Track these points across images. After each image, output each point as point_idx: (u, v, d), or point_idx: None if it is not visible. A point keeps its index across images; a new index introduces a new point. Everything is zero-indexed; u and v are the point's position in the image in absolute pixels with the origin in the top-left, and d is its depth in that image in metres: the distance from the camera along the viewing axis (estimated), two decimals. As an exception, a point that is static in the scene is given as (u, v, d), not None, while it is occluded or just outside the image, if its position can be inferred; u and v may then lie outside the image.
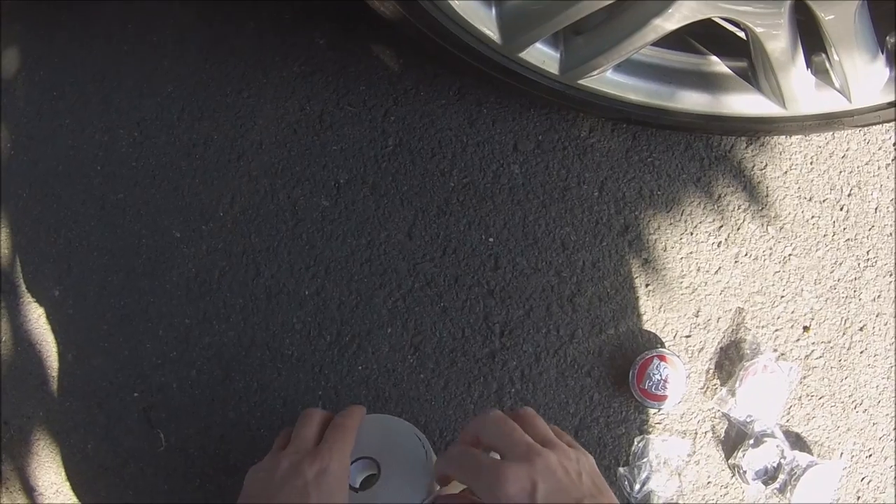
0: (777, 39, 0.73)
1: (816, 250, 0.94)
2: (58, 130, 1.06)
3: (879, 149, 1.00)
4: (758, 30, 0.73)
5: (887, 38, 0.80)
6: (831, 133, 0.98)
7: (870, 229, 0.95)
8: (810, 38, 0.77)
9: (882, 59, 0.78)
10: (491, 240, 0.93)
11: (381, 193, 0.95)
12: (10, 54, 1.11)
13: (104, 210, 1.02)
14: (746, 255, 0.94)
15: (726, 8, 0.70)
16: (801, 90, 0.82)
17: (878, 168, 0.98)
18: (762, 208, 0.96)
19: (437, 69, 0.95)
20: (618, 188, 0.94)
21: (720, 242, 0.94)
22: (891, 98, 0.81)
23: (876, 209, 0.96)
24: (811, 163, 0.98)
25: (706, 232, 0.94)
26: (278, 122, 0.99)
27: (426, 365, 0.93)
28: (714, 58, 0.86)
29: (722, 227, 0.94)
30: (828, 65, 0.81)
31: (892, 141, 1.01)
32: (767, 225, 0.95)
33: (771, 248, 0.94)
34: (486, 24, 0.76)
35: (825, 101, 0.84)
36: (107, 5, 1.11)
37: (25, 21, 1.12)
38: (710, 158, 0.96)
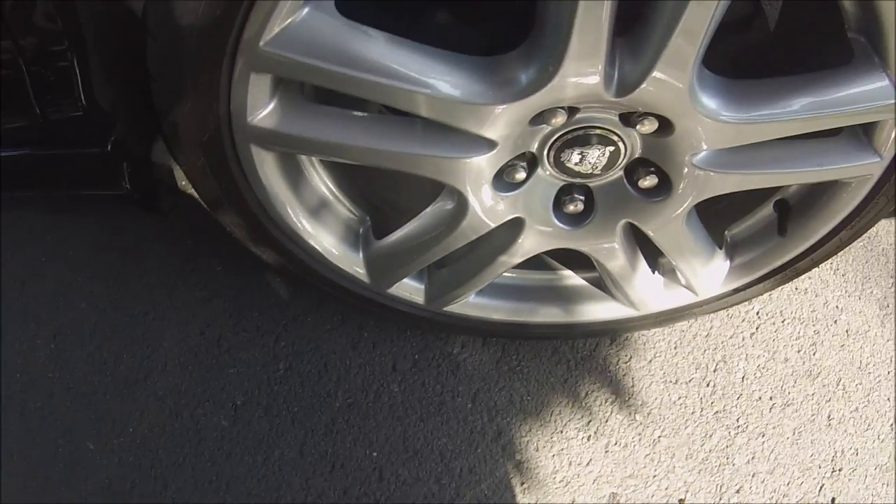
0: (615, 258, 0.84)
1: (685, 428, 1.04)
2: None
3: (743, 321, 1.12)
4: (595, 255, 0.83)
5: (726, 233, 0.91)
6: (691, 318, 1.08)
7: (738, 398, 1.06)
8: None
9: (721, 253, 0.89)
10: (375, 454, 1.02)
11: (273, 414, 1.03)
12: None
13: (23, 416, 1.08)
14: (616, 443, 1.04)
15: (561, 242, 0.80)
16: (650, 293, 0.93)
17: (743, 339, 1.10)
18: (629, 398, 1.06)
19: (322, 297, 1.05)
20: (489, 398, 1.04)
21: (590, 436, 1.04)
22: (735, 286, 0.92)
23: (743, 378, 1.08)
24: (675, 347, 1.09)
25: (576, 428, 1.04)
26: (181, 344, 1.07)
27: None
28: (568, 272, 0.97)
29: (590, 421, 1.04)
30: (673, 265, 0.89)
31: (756, 310, 1.13)
32: (635, 413, 1.05)
33: (640, 434, 1.04)
34: (355, 266, 0.86)
35: (674, 297, 0.94)
36: (28, 214, 1.19)
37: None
38: (576, 360, 1.07)
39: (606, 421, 1.04)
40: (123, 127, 0.80)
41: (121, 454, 1.05)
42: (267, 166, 0.71)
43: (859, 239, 1.21)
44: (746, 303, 1.11)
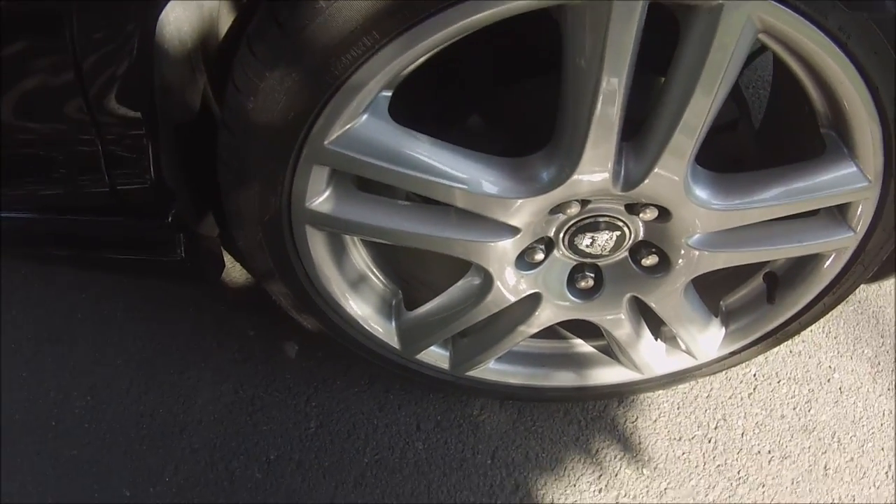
0: (621, 327, 0.93)
1: (690, 480, 1.11)
2: (16, 381, 1.16)
3: (741, 382, 1.20)
4: (604, 324, 0.92)
5: (721, 302, 1.00)
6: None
7: (738, 452, 1.13)
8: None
9: (717, 321, 0.98)
10: (400, 508, 1.09)
11: (305, 468, 1.10)
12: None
13: (58, 463, 1.14)
14: (625, 495, 1.10)
15: (573, 314, 0.89)
16: (653, 358, 1.01)
17: (741, 399, 1.18)
18: (637, 454, 1.13)
19: (351, 361, 1.14)
20: (507, 454, 1.11)
21: (601, 489, 1.11)
22: (731, 349, 1.00)
23: (742, 434, 1.15)
24: (678, 407, 1.17)
25: (588, 482, 1.11)
26: (216, 402, 1.15)
27: None
28: (579, 340, 1.06)
29: (601, 475, 1.11)
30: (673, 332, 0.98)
31: (752, 373, 1.21)
32: (643, 467, 1.12)
33: (647, 487, 1.11)
34: (388, 333, 0.94)
35: (676, 362, 1.03)
36: (64, 271, 1.28)
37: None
38: (586, 420, 1.14)
39: (616, 475, 1.11)
40: (183, 201, 0.90)
41: (157, 502, 1.11)
42: (317, 244, 0.81)
43: (849, 303, 1.32)
44: (744, 365, 1.20)
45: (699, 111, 0.63)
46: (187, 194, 0.86)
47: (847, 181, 0.75)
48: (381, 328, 0.93)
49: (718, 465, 1.12)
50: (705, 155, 0.78)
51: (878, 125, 0.69)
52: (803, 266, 0.91)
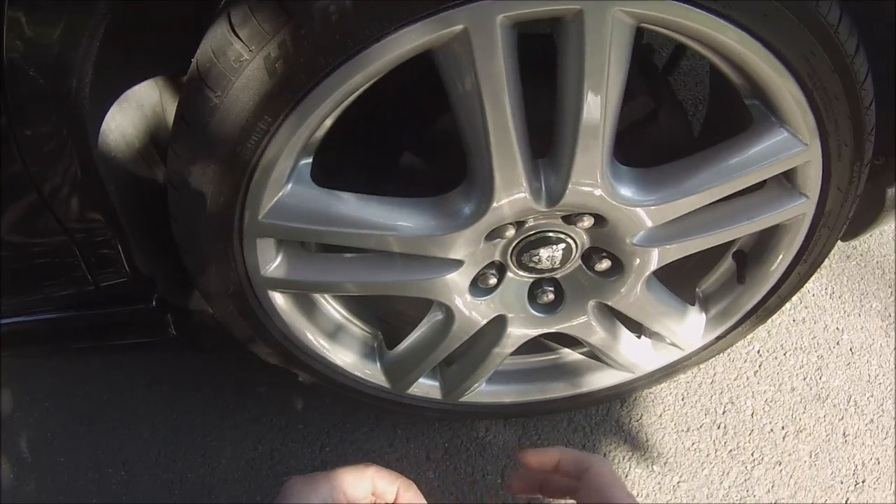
0: (594, 333, 0.93)
1: (702, 470, 1.11)
2: (55, 466, 1.23)
3: (745, 361, 1.18)
4: (575, 333, 0.93)
5: (697, 289, 1.00)
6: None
7: (750, 434, 1.12)
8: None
9: (695, 308, 0.97)
10: (420, 536, 1.11)
11: (328, 515, 1.15)
12: (6, 395, 1.31)
13: None
14: (638, 494, 1.10)
15: (543, 328, 0.91)
16: (639, 356, 1.01)
17: (748, 378, 1.17)
18: (645, 452, 1.13)
19: (357, 403, 1.17)
20: (516, 471, 1.13)
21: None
22: (716, 334, 1.00)
23: (752, 414, 1.14)
24: (682, 398, 1.17)
25: (602, 486, 1.12)
26: (238, 460, 1.20)
27: None
28: (566, 350, 1.07)
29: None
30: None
31: (756, 349, 1.20)
32: (652, 464, 1.12)
33: (659, 483, 1.11)
34: (375, 375, 0.98)
35: (664, 356, 1.03)
36: (88, 356, 1.36)
37: (16, 367, 1.35)
38: (590, 425, 1.15)
39: (626, 475, 1.11)
40: (164, 284, 0.96)
41: (196, 568, 1.16)
42: (285, 305, 0.85)
43: (852, 258, 1.29)
44: (746, 342, 1.19)
45: (594, 116, 0.64)
46: (168, 277, 0.91)
47: (782, 148, 0.74)
48: (368, 371, 0.96)
49: (731, 451, 1.11)
50: (634, 152, 0.80)
51: (796, 84, 0.67)
52: (767, 240, 0.90)
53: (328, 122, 0.67)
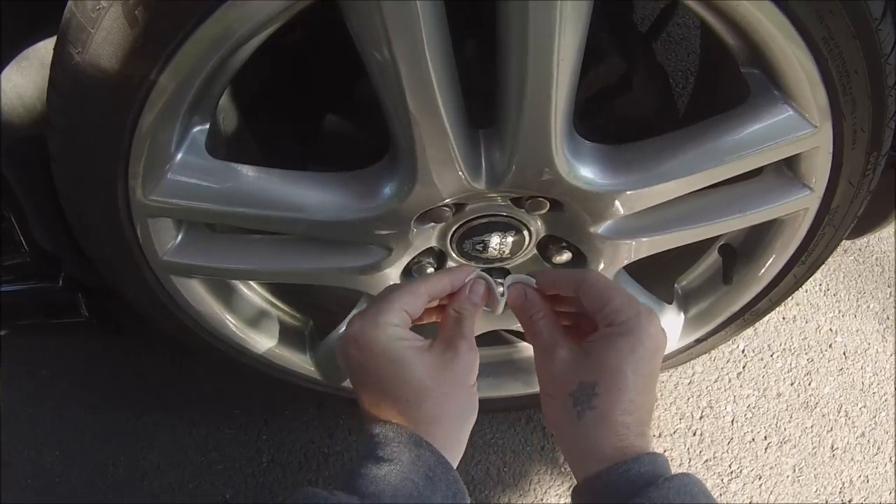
0: None
1: None
2: None
3: (727, 361, 1.07)
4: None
5: (675, 285, 0.88)
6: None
7: (728, 443, 1.02)
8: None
9: (672, 307, 0.86)
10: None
11: (259, 505, 1.06)
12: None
13: None
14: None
15: (493, 324, 0.81)
16: None
17: (729, 381, 1.06)
18: (613, 457, 1.03)
19: (298, 389, 1.07)
20: (466, 472, 1.02)
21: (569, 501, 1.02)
22: (695, 336, 0.88)
23: (732, 421, 1.03)
24: (656, 399, 1.06)
25: (556, 494, 1.01)
26: (172, 445, 1.11)
27: None
28: (524, 343, 0.96)
29: (571, 485, 1.02)
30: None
31: (741, 348, 1.09)
32: (621, 471, 1.02)
33: (629, 492, 1.01)
34: (306, 366, 0.87)
35: None
36: (29, 337, 1.27)
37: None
38: (550, 425, 1.05)
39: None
40: (71, 263, 0.86)
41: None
42: (194, 292, 0.74)
43: (849, 253, 1.16)
44: (730, 342, 1.07)
45: (543, 75, 0.50)
46: (74, 256, 0.81)
47: (785, 129, 0.60)
48: (296, 359, 0.86)
49: (706, 461, 1.00)
50: (602, 125, 0.67)
51: (806, 50, 0.54)
52: (762, 236, 0.78)
53: (223, 81, 0.55)
